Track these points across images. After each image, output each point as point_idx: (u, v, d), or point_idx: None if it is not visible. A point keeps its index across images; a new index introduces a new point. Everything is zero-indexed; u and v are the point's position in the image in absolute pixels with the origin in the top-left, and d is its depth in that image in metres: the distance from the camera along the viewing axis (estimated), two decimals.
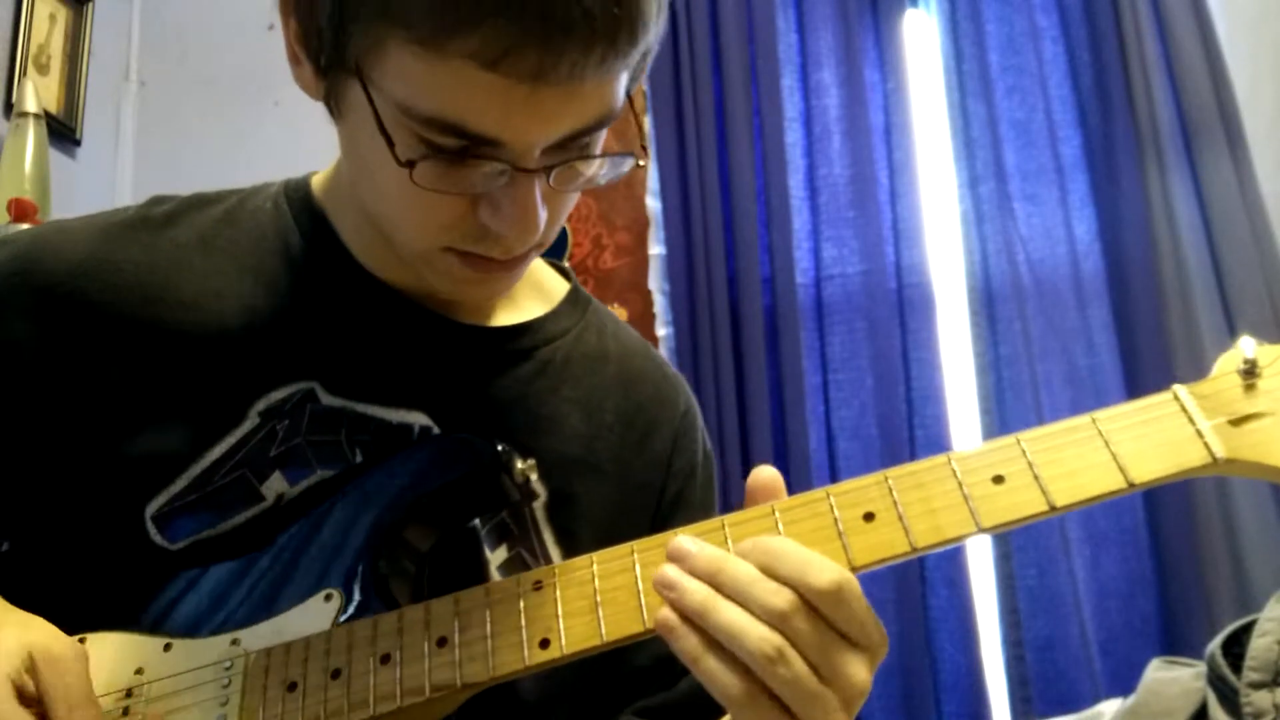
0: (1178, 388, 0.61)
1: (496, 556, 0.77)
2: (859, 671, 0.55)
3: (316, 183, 0.84)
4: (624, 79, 0.66)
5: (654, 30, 0.64)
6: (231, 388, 0.75)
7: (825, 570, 0.55)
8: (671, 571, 0.57)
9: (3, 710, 0.58)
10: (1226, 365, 0.61)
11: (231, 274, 0.78)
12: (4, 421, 0.75)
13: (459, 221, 0.68)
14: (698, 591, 0.56)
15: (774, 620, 0.54)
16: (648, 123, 2.34)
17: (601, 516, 0.81)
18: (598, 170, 0.69)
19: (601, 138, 0.69)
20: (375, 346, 0.78)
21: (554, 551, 0.79)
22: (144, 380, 0.74)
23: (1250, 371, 0.59)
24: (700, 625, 0.56)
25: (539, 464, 0.78)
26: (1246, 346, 0.60)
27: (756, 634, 0.54)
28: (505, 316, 0.84)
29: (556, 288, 0.89)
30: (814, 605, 0.55)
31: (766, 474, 0.63)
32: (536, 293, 0.88)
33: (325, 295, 0.79)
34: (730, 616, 0.55)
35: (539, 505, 0.79)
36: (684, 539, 0.59)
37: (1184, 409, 0.59)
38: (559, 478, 0.80)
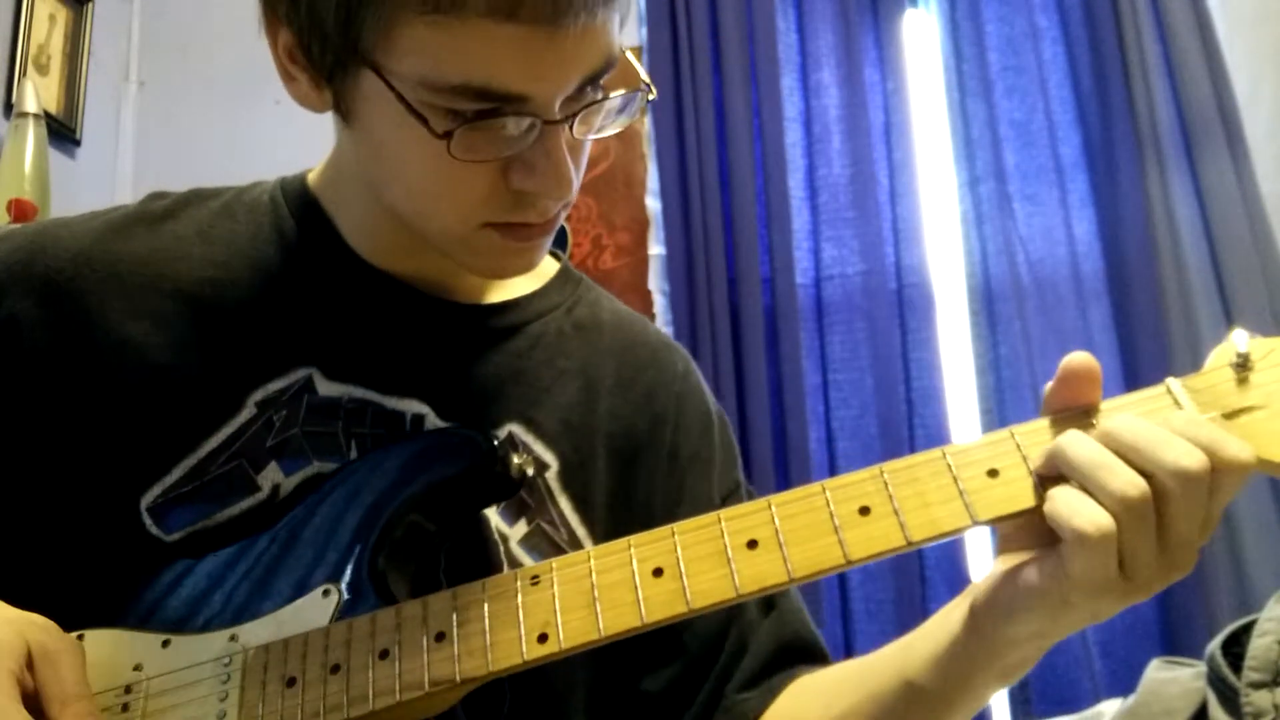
0: (1171, 381, 0.60)
1: (516, 532, 0.77)
2: (1171, 574, 0.57)
3: (312, 177, 0.85)
4: (617, 20, 0.70)
5: None
6: (229, 377, 0.76)
7: (1243, 449, 0.55)
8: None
9: (6, 709, 0.58)
10: (1220, 359, 0.61)
11: (229, 264, 0.79)
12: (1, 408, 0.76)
13: (494, 192, 0.70)
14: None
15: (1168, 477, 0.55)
16: (647, 123, 2.34)
17: (613, 480, 0.82)
18: (613, 113, 0.73)
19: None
20: (371, 330, 0.79)
21: (573, 518, 0.79)
22: (141, 370, 0.75)
23: (1243, 365, 0.59)
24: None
25: (542, 434, 0.80)
26: (1239, 340, 0.60)
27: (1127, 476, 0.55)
28: (497, 295, 0.85)
29: (547, 266, 0.91)
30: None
31: (1079, 361, 0.65)
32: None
33: (321, 282, 0.80)
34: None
35: (551, 475, 0.80)
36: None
37: (1176, 402, 0.59)
38: (566, 445, 0.81)
